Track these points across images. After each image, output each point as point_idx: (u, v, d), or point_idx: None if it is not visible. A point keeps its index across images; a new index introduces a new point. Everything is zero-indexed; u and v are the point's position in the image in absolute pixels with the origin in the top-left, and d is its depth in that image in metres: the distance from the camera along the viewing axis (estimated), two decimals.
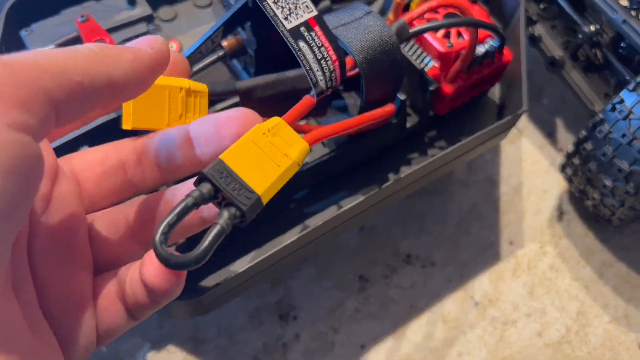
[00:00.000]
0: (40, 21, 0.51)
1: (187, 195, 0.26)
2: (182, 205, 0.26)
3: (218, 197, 0.28)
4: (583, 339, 0.56)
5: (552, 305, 0.58)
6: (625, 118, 0.52)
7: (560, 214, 0.63)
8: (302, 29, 0.38)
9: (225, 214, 0.27)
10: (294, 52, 0.38)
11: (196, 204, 0.27)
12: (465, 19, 0.46)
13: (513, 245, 0.61)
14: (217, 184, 0.27)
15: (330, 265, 0.58)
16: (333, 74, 0.39)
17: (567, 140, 0.68)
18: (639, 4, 0.58)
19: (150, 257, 0.25)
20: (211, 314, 0.54)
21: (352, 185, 0.51)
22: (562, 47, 0.62)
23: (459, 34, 0.51)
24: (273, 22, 0.38)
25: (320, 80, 0.38)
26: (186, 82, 0.37)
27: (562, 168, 0.59)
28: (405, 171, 0.50)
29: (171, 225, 0.26)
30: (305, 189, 0.51)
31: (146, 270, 0.24)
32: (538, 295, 0.58)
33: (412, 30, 0.45)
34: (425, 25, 0.46)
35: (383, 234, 0.60)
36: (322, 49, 0.39)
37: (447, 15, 0.52)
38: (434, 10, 0.46)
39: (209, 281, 0.42)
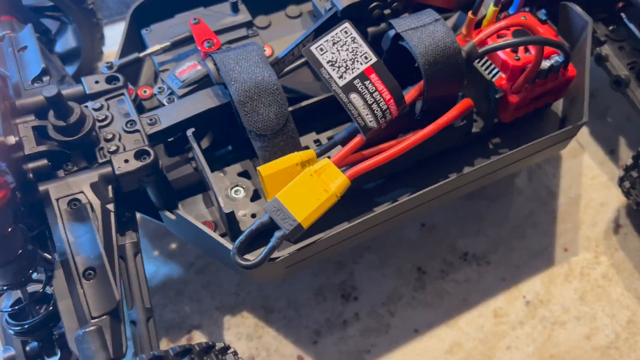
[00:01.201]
0: (158, 22, 0.60)
1: (254, 222, 0.45)
2: (251, 229, 0.45)
3: (275, 223, 0.44)
4: (632, 347, 0.58)
5: (603, 312, 0.60)
6: None
7: (616, 227, 0.66)
8: (356, 81, 0.46)
9: (276, 234, 0.44)
10: (343, 105, 0.46)
11: (261, 228, 0.45)
12: (532, 37, 0.51)
13: (567, 252, 0.64)
14: (271, 215, 0.44)
15: (391, 255, 0.63)
16: (387, 112, 0.46)
17: (628, 157, 0.70)
18: None
19: None
20: (281, 288, 0.61)
21: (417, 181, 0.56)
22: (628, 67, 0.64)
23: (526, 49, 0.55)
24: (326, 83, 0.46)
25: (370, 121, 0.46)
26: (297, 157, 0.47)
27: (621, 181, 0.62)
28: (467, 170, 0.55)
29: (243, 243, 0.44)
30: (376, 181, 0.57)
31: None
32: (589, 301, 0.61)
33: (481, 50, 0.50)
34: (494, 44, 0.51)
35: (443, 231, 0.65)
36: (376, 93, 0.46)
37: (515, 32, 0.56)
38: (503, 28, 0.51)
39: (287, 249, 0.49)
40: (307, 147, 0.58)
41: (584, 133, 0.73)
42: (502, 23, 0.51)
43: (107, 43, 0.76)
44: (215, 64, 0.50)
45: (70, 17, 0.65)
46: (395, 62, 0.53)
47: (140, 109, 0.56)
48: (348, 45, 0.48)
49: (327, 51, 0.47)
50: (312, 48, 0.47)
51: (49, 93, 0.44)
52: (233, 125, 0.53)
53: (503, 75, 0.56)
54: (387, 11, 0.54)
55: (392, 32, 0.50)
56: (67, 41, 0.72)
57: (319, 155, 0.50)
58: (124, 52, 0.58)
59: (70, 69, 0.72)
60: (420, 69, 0.48)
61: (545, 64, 0.54)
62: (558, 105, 0.62)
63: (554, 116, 0.62)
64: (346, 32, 0.48)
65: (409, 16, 0.50)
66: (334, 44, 0.47)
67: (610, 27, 0.67)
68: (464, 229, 0.65)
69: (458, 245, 0.64)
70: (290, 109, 0.55)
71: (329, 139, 0.58)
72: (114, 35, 0.83)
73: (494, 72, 0.57)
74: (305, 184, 0.45)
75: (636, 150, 0.71)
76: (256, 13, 0.68)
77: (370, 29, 0.54)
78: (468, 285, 0.62)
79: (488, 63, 0.57)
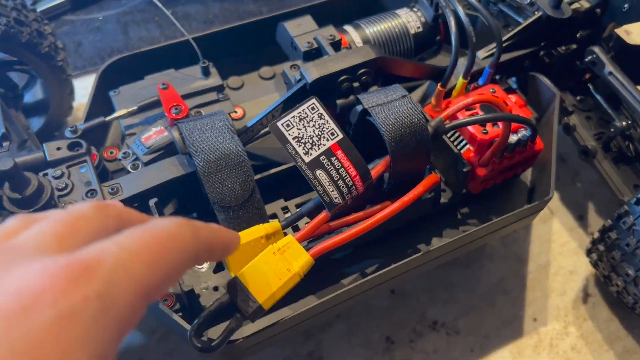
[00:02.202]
0: (127, 85, 0.59)
1: (215, 301, 0.42)
2: (209, 310, 0.42)
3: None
4: None
5: None
6: None
7: (585, 296, 0.65)
8: (322, 157, 0.46)
9: (236, 315, 0.42)
10: (309, 181, 0.45)
11: (220, 308, 0.42)
12: (499, 114, 0.51)
13: (536, 322, 0.63)
14: (230, 295, 0.42)
15: (360, 323, 0.62)
16: (352, 187, 0.46)
17: (597, 224, 0.71)
18: None
19: None
20: (247, 358, 0.59)
21: (386, 253, 0.56)
22: (595, 137, 0.65)
23: (494, 123, 0.56)
24: (292, 159, 0.45)
25: (336, 197, 0.46)
26: (262, 229, 0.46)
27: (588, 252, 0.62)
28: (435, 244, 0.55)
29: (200, 324, 0.42)
30: (343, 252, 0.56)
31: None
32: None
33: (448, 125, 0.51)
34: (461, 120, 0.51)
35: (413, 299, 0.64)
36: (342, 169, 0.46)
37: (484, 105, 0.57)
38: (470, 105, 0.51)
39: (248, 329, 0.47)
40: (274, 215, 0.57)
41: (554, 198, 0.73)
42: (469, 100, 0.51)
43: (79, 94, 0.76)
44: (180, 133, 0.49)
45: (39, 73, 0.64)
46: (363, 134, 0.53)
47: (104, 174, 0.55)
48: (315, 121, 0.47)
49: (293, 127, 0.47)
50: (279, 124, 0.46)
51: (4, 166, 0.42)
52: (198, 193, 0.52)
53: (471, 148, 0.56)
54: (356, 84, 0.54)
55: (359, 107, 0.50)
56: (35, 94, 0.71)
57: (285, 227, 0.49)
58: (90, 114, 0.57)
59: (37, 122, 0.71)
60: (386, 145, 0.48)
61: (513, 138, 0.55)
62: (526, 175, 0.63)
63: (522, 186, 0.62)
64: (313, 109, 0.48)
65: (377, 91, 0.50)
66: (300, 119, 0.47)
67: (578, 97, 0.68)
68: (435, 296, 0.64)
69: (428, 314, 0.63)
70: (257, 177, 0.55)
71: (297, 206, 0.58)
72: (86, 86, 0.82)
73: (462, 144, 0.57)
74: (268, 262, 0.44)
75: (605, 217, 0.72)
76: (229, 74, 0.68)
77: (339, 101, 0.54)
78: (436, 356, 0.61)
79: (456, 135, 0.58)
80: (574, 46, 0.65)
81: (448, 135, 0.58)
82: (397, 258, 0.55)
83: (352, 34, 0.62)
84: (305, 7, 0.68)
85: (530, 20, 0.62)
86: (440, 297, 0.64)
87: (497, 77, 0.67)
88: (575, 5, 0.63)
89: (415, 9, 0.66)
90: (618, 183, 0.63)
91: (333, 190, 0.46)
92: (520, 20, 0.71)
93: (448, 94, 0.60)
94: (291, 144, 0.46)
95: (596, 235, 0.60)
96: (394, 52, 0.64)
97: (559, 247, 0.69)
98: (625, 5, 0.59)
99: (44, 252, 0.22)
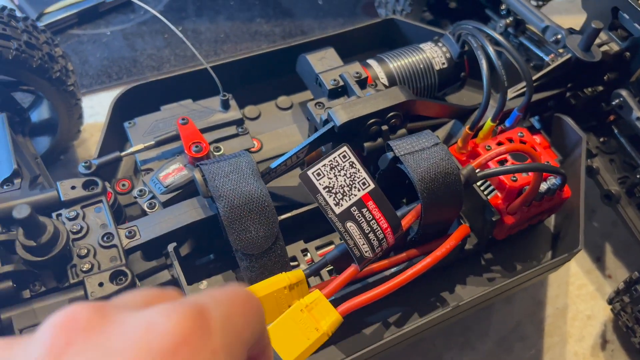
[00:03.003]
0: (143, 116, 0.57)
1: None
2: None
3: None
4: None
5: None
6: None
7: (604, 342, 0.64)
8: (353, 209, 0.44)
9: None
10: (340, 234, 0.43)
11: None
12: (531, 165, 0.50)
13: None
14: None
15: None
16: (383, 240, 0.44)
17: (614, 266, 0.70)
18: None
19: None
20: None
21: (409, 301, 0.54)
22: (619, 181, 0.64)
23: None
24: (323, 210, 0.43)
25: (366, 251, 0.43)
26: (286, 279, 0.43)
27: (611, 301, 0.61)
28: (461, 294, 0.54)
29: None
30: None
31: None
32: None
33: (480, 174, 0.49)
34: (493, 170, 0.49)
35: (429, 343, 0.62)
36: (373, 221, 0.44)
37: (513, 155, 0.55)
38: (502, 154, 0.50)
39: None
40: (294, 258, 0.55)
41: None
42: (502, 149, 0.49)
43: (85, 114, 0.73)
44: (203, 175, 0.47)
45: (48, 98, 0.62)
46: (390, 180, 0.51)
47: (118, 212, 0.52)
48: (346, 170, 0.45)
49: (324, 176, 0.45)
50: (310, 173, 0.44)
51: (20, 214, 0.40)
52: (217, 235, 0.50)
53: (499, 195, 0.54)
54: (384, 127, 0.52)
55: (390, 155, 0.48)
56: (41, 114, 0.68)
57: (309, 275, 0.47)
58: (104, 146, 0.55)
59: (43, 144, 0.68)
60: (418, 194, 0.46)
61: (543, 186, 0.53)
62: (550, 220, 0.61)
63: (546, 231, 0.61)
64: (344, 157, 0.46)
65: (408, 137, 0.49)
66: (331, 168, 0.45)
67: (601, 139, 0.67)
68: (450, 341, 0.63)
69: (444, 359, 0.61)
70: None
71: (317, 248, 0.56)
72: (93, 105, 0.80)
73: (490, 189, 0.55)
74: (295, 320, 0.42)
75: (623, 259, 0.70)
76: (245, 103, 0.66)
77: (367, 144, 0.52)
78: None
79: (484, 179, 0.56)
80: (601, 88, 0.63)
81: None
82: (421, 306, 0.54)
83: (376, 69, 0.61)
84: (326, 38, 0.66)
85: (559, 62, 0.60)
86: (457, 342, 0.63)
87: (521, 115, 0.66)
88: (605, 48, 0.61)
89: (440, 44, 0.64)
90: None
91: (364, 244, 0.44)
92: (541, 54, 0.70)
93: (475, 134, 0.59)
94: (322, 194, 0.44)
95: (621, 285, 0.59)
96: (418, 88, 0.62)
97: (576, 290, 0.68)
98: None
99: (138, 308, 0.20)
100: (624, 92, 0.62)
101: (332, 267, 0.52)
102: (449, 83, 0.65)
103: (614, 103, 0.62)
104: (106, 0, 0.88)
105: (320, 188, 0.44)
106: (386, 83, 0.60)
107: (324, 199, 0.44)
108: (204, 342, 0.19)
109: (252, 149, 0.62)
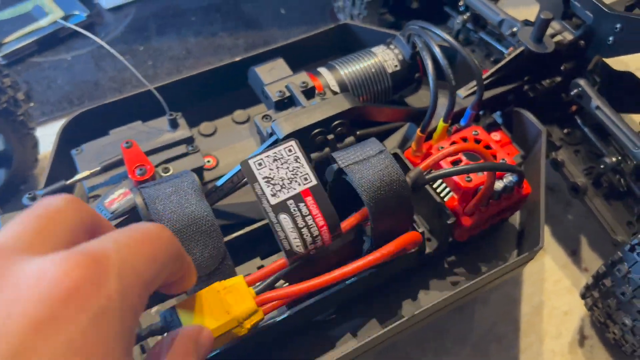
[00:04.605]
0: (90, 142, 0.56)
1: (147, 327, 0.38)
2: (139, 334, 0.38)
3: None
4: None
5: None
6: None
7: (582, 339, 0.63)
8: (290, 202, 0.42)
9: None
10: (271, 225, 0.42)
11: (151, 334, 0.38)
12: (483, 164, 0.48)
13: None
14: (164, 324, 0.38)
15: None
16: (318, 238, 0.43)
17: (590, 258, 0.68)
18: None
19: None
20: None
21: (372, 310, 0.53)
22: (585, 172, 0.63)
23: None
24: (258, 200, 0.42)
25: (297, 246, 0.42)
26: (220, 285, 0.41)
27: (583, 296, 0.59)
28: (423, 300, 0.52)
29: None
30: (326, 311, 0.53)
31: None
32: None
33: (428, 176, 0.48)
34: (442, 171, 0.48)
35: (401, 351, 0.61)
36: (309, 217, 0.42)
37: (467, 155, 0.54)
38: (451, 154, 0.49)
39: None
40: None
41: (545, 234, 0.70)
42: (451, 149, 0.48)
43: (47, 142, 0.72)
44: (143, 199, 0.46)
45: None
46: (342, 191, 0.50)
47: None
48: (289, 163, 0.44)
49: (265, 166, 0.44)
50: (251, 161, 0.44)
51: None
52: None
53: (455, 196, 0.53)
54: (330, 136, 0.51)
55: (335, 166, 0.47)
56: None
57: (261, 291, 0.46)
58: (51, 177, 0.54)
59: (1, 174, 0.67)
60: (365, 204, 0.45)
61: (499, 185, 0.52)
62: (515, 217, 0.60)
63: (510, 229, 0.59)
64: (290, 151, 0.45)
65: (353, 147, 0.48)
66: (274, 160, 0.44)
67: (566, 130, 0.65)
68: (424, 347, 0.61)
69: None
70: (229, 237, 0.52)
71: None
72: (54, 133, 0.79)
73: (446, 191, 0.54)
74: (209, 299, 0.40)
75: (598, 250, 0.69)
76: (200, 120, 0.65)
77: (314, 155, 0.51)
78: None
79: (439, 181, 0.55)
80: (559, 79, 0.62)
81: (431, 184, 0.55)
82: (385, 315, 0.53)
83: (327, 77, 0.60)
84: (278, 48, 0.65)
85: (512, 55, 0.59)
86: (431, 347, 0.61)
87: (481, 112, 0.65)
88: (558, 38, 0.60)
89: (392, 46, 0.63)
90: (610, 220, 0.60)
91: (296, 238, 0.43)
92: (501, 49, 0.69)
93: (430, 135, 0.57)
94: (259, 184, 0.43)
95: (590, 280, 0.57)
96: (372, 92, 0.61)
97: (552, 286, 0.66)
98: (610, 39, 0.57)
99: (31, 252, 0.21)
100: (582, 82, 0.61)
101: (286, 282, 0.51)
102: (404, 85, 0.64)
103: (572, 93, 0.61)
104: (66, 26, 0.87)
105: (260, 177, 0.43)
106: (337, 90, 0.59)
107: (261, 188, 0.43)
108: (97, 289, 0.20)
109: (208, 166, 0.61)
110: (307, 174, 0.45)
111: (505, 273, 0.53)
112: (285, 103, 0.54)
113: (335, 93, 0.59)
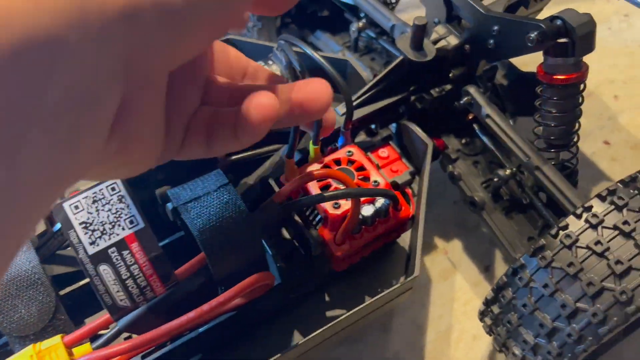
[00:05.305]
0: None
1: None
2: None
3: None
4: None
5: None
6: (547, 266, 0.48)
7: None
8: (112, 250, 0.38)
9: None
10: (89, 277, 0.38)
11: None
12: (339, 192, 0.44)
13: None
14: None
15: None
16: (147, 289, 0.38)
17: None
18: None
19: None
20: None
21: (243, 355, 0.48)
22: (483, 186, 0.58)
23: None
24: (74, 250, 0.38)
25: (122, 300, 0.38)
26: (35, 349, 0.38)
27: (482, 316, 0.55)
28: (296, 340, 0.48)
29: None
30: (198, 355, 0.49)
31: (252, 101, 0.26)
32: None
33: (284, 207, 0.43)
34: (298, 201, 0.44)
35: None
36: (135, 266, 0.38)
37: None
38: (301, 185, 0.44)
39: None
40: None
41: (456, 249, 0.66)
42: (305, 178, 0.44)
43: None
44: None
45: None
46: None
47: None
48: (112, 205, 0.40)
49: (83, 210, 0.39)
50: (65, 204, 0.39)
51: None
52: None
53: (326, 224, 0.49)
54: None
55: (170, 205, 0.43)
56: None
57: (99, 347, 0.42)
58: None
59: None
60: (200, 248, 0.41)
61: (369, 210, 0.48)
62: (405, 237, 0.56)
63: (400, 252, 0.55)
64: (114, 189, 0.41)
65: (194, 182, 0.43)
66: (94, 201, 0.40)
67: (464, 140, 0.61)
68: None
69: None
70: (65, 290, 0.47)
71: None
72: None
73: (318, 219, 0.50)
74: None
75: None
76: None
77: (158, 191, 0.47)
78: None
79: (312, 208, 0.51)
80: (449, 87, 0.58)
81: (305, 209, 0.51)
82: (259, 354, 0.48)
83: None
84: None
85: (391, 66, 0.55)
86: None
87: (372, 126, 0.61)
88: (442, 43, 0.56)
89: (270, 62, 0.59)
90: (510, 237, 0.56)
91: (119, 291, 0.39)
92: (399, 55, 0.64)
93: (305, 161, 0.53)
94: (75, 231, 0.39)
95: (490, 294, 0.53)
96: None
97: (462, 307, 0.62)
98: (491, 42, 0.52)
99: None
100: (471, 89, 0.57)
101: (129, 334, 0.47)
102: None
103: (462, 102, 0.57)
104: None
105: (76, 223, 0.39)
106: None
107: (77, 236, 0.38)
108: None
109: None
110: (133, 216, 0.40)
111: (379, 306, 0.49)
112: None
113: None
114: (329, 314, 0.51)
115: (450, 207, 0.70)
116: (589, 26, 0.47)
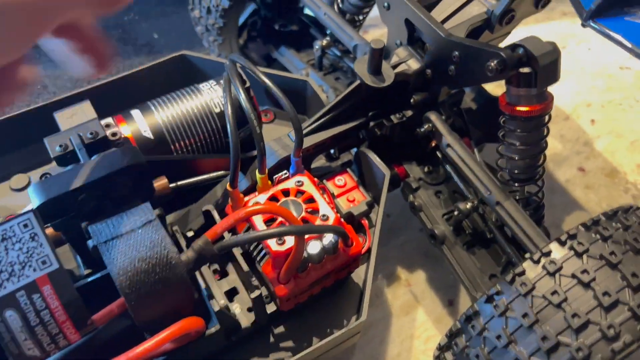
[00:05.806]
0: None
1: None
2: None
3: None
4: None
5: None
6: (502, 314, 0.45)
7: None
8: (20, 293, 0.34)
9: None
10: None
11: None
12: (287, 227, 0.41)
13: None
14: None
15: None
16: (59, 336, 0.34)
17: None
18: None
19: None
20: None
21: None
22: (444, 218, 0.55)
23: None
24: None
25: (30, 349, 0.34)
26: None
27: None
28: None
29: None
30: None
31: None
32: None
33: (218, 247, 0.40)
34: (232, 240, 0.40)
35: None
36: (45, 311, 0.34)
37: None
38: (237, 222, 0.41)
39: None
40: None
41: (420, 281, 0.63)
42: (240, 214, 0.40)
43: None
44: None
45: None
46: None
47: None
48: (23, 243, 0.37)
49: None
50: None
51: None
52: None
53: (269, 262, 0.45)
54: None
55: (91, 243, 0.39)
56: None
57: None
58: None
59: None
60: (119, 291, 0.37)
61: (316, 246, 0.44)
62: (359, 272, 0.52)
63: (354, 288, 0.51)
64: (26, 226, 0.37)
65: (119, 217, 0.40)
66: (3, 239, 0.37)
67: (426, 169, 0.58)
68: None
69: None
70: None
71: None
72: None
73: (262, 254, 0.46)
74: None
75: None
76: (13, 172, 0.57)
77: (84, 225, 0.43)
78: None
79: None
80: (410, 112, 0.55)
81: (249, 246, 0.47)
82: None
83: (138, 121, 0.52)
84: (100, 86, 0.58)
85: (347, 91, 0.52)
86: None
87: (332, 151, 0.57)
88: (403, 68, 0.53)
89: (222, 82, 0.55)
90: (471, 274, 0.53)
91: (26, 339, 0.35)
92: None
93: (252, 190, 0.50)
94: None
95: (443, 340, 0.50)
96: (198, 135, 0.53)
97: (423, 345, 0.59)
98: (451, 68, 0.49)
99: None
100: (432, 116, 0.53)
101: None
102: (239, 125, 0.56)
103: (423, 129, 0.54)
104: None
105: None
106: (150, 137, 0.51)
107: None
108: None
109: None
110: (46, 255, 0.37)
111: (327, 350, 0.46)
112: (68, 159, 0.46)
113: (149, 140, 0.51)
114: (272, 356, 0.47)
115: (416, 234, 0.67)
116: (552, 55, 0.44)
